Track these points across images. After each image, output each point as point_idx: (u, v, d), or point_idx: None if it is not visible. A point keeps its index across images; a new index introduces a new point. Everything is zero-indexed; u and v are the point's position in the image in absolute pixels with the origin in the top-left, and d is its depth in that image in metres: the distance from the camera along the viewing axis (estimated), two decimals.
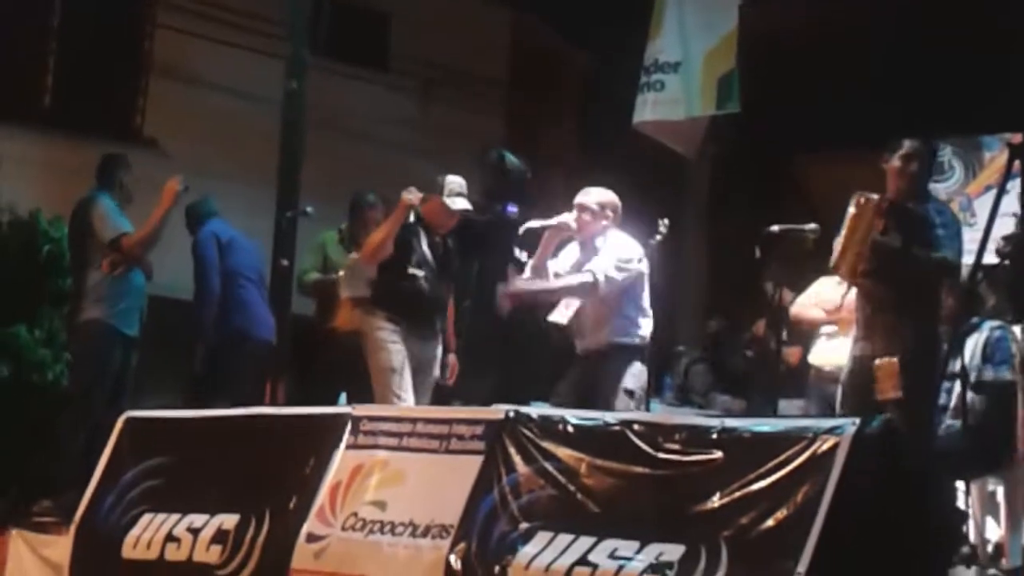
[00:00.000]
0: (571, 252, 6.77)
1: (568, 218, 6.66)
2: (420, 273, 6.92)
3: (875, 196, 5.89)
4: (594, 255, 6.62)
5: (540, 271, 6.67)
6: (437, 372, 7.06)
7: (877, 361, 5.76)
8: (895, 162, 5.99)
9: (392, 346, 6.83)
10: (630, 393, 6.50)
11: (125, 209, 7.40)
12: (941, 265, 5.88)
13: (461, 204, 6.99)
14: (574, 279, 6.60)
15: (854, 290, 6.11)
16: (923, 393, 5.78)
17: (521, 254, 6.85)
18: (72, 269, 7.74)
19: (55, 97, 10.84)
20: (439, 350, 7.06)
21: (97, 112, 10.80)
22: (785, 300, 6.99)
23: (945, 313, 6.95)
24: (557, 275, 6.66)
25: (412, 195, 6.90)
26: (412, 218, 6.95)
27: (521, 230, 6.77)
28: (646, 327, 6.65)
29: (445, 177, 7.02)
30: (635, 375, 6.55)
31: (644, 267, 6.66)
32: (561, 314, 6.67)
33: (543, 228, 6.65)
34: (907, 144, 6.02)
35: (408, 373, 6.80)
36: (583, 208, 6.67)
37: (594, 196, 6.72)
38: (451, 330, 7.28)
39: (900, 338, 5.80)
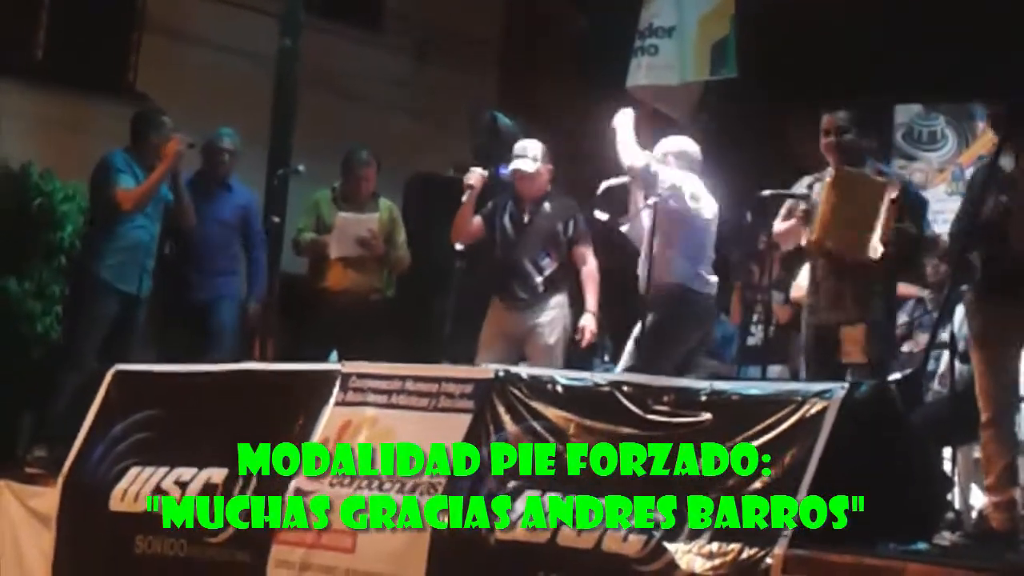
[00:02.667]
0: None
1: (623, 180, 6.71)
2: (496, 244, 7.08)
3: (855, 170, 5.93)
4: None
5: (636, 220, 6.71)
6: (552, 336, 6.99)
7: (847, 328, 5.82)
8: (827, 135, 6.06)
9: (486, 322, 7.03)
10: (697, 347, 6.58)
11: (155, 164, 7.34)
12: (933, 245, 6.12)
13: (515, 165, 7.08)
14: (629, 147, 6.55)
15: None
16: (886, 358, 5.98)
17: (601, 215, 6.84)
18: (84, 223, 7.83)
19: (47, 51, 10.75)
20: (544, 317, 6.99)
21: (89, 67, 10.72)
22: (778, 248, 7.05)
23: (935, 280, 7.00)
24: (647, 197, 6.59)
25: (472, 176, 7.12)
26: (465, 197, 7.07)
27: (600, 189, 6.77)
28: (707, 274, 6.65)
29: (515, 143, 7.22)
30: (691, 323, 6.56)
31: (712, 212, 6.66)
32: (606, 216, 6.74)
33: (621, 184, 6.68)
34: (836, 115, 6.07)
35: (495, 346, 6.90)
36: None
37: (660, 146, 6.75)
38: (591, 291, 7.11)
39: (869, 308, 5.85)
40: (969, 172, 10.89)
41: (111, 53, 11.02)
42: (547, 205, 7.17)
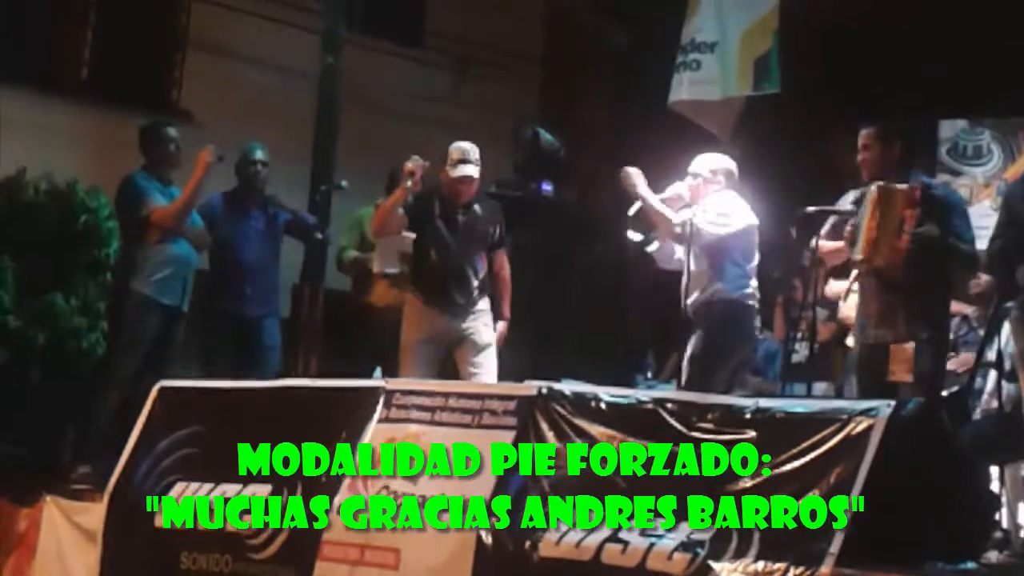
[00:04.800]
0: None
1: (680, 188, 6.71)
2: (432, 247, 6.90)
3: (892, 185, 5.89)
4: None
5: (665, 242, 6.73)
6: (485, 339, 6.95)
7: (897, 346, 5.77)
8: (859, 154, 6.02)
9: (410, 325, 6.87)
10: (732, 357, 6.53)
11: (171, 176, 7.41)
12: (970, 257, 5.90)
13: (461, 171, 6.90)
14: (668, 214, 6.59)
15: None
16: (935, 378, 5.86)
17: (635, 235, 6.84)
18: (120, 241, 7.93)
19: (92, 69, 10.87)
20: (476, 321, 6.94)
21: (134, 84, 10.83)
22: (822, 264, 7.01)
23: (979, 297, 6.94)
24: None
25: (413, 163, 6.87)
26: (408, 184, 6.87)
27: (631, 211, 6.75)
28: (751, 286, 6.64)
29: (450, 145, 6.99)
30: (740, 336, 6.55)
31: (747, 223, 6.66)
32: (640, 237, 6.77)
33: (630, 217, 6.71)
34: (861, 133, 6.03)
35: (421, 351, 6.81)
36: (695, 175, 6.71)
37: (706, 163, 6.75)
38: (505, 298, 7.16)
39: (918, 326, 5.79)
40: None
41: (155, 71, 11.13)
42: (477, 208, 7.07)
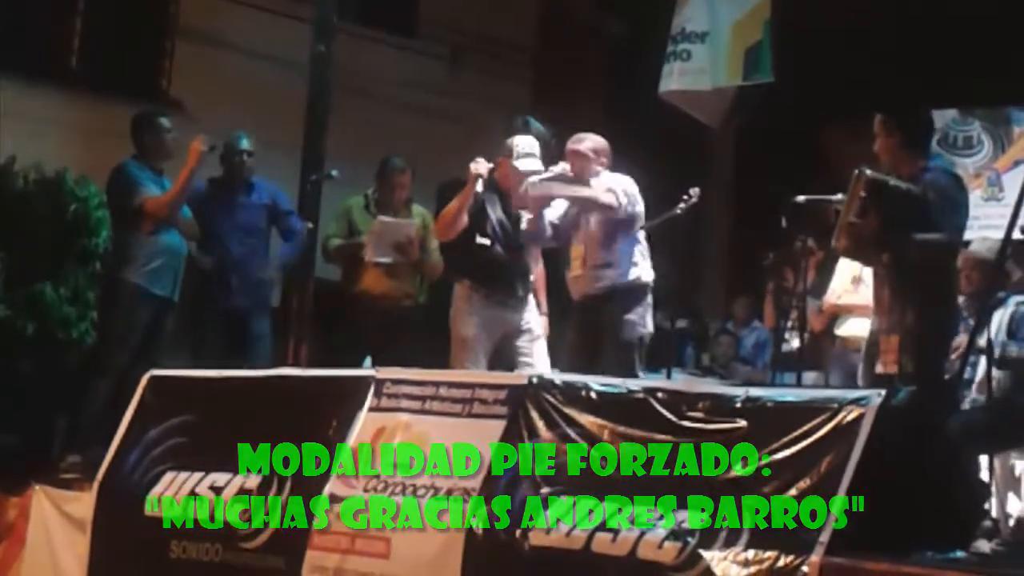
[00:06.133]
0: (562, 202, 6.74)
1: (564, 167, 6.66)
2: (487, 242, 6.88)
3: (873, 172, 5.87)
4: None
5: (538, 221, 6.68)
6: (538, 331, 6.95)
7: (885, 336, 5.78)
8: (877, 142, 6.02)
9: (468, 317, 6.84)
10: (640, 338, 6.51)
11: (162, 166, 7.40)
12: (933, 245, 5.74)
13: (528, 165, 6.83)
14: (600, 193, 6.53)
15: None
16: (929, 370, 5.76)
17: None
18: (110, 230, 7.94)
19: (81, 58, 10.84)
20: (530, 314, 6.94)
21: (123, 73, 10.80)
22: (813, 253, 7.00)
23: (972, 288, 6.93)
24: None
25: (479, 166, 6.83)
26: (480, 187, 6.81)
27: (522, 187, 6.70)
28: (647, 269, 6.65)
29: (513, 139, 6.93)
30: (642, 317, 6.55)
31: (642, 208, 6.67)
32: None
33: (542, 180, 6.63)
34: (877, 119, 6.02)
35: (481, 343, 6.81)
36: (577, 155, 6.66)
37: (588, 143, 6.72)
38: (541, 293, 7.18)
39: (905, 316, 5.78)
40: (1006, 177, 10.85)
41: (145, 59, 11.09)
42: None
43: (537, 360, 6.86)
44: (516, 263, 6.96)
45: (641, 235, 6.70)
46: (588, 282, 6.64)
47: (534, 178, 6.68)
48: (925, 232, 5.69)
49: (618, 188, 6.58)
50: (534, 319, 6.99)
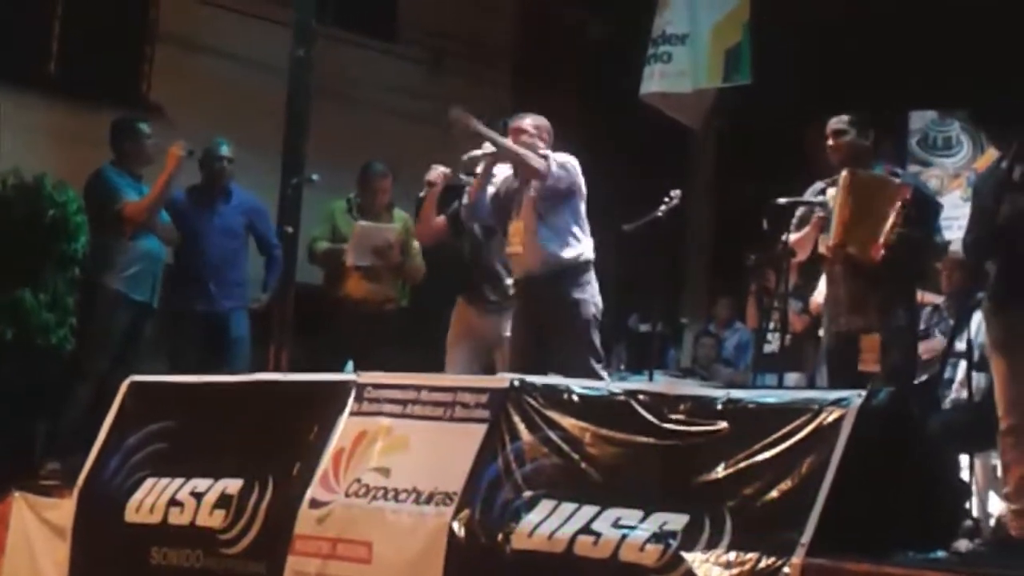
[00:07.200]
0: (505, 176, 6.72)
1: (506, 141, 6.62)
2: (467, 246, 6.96)
3: (868, 172, 5.91)
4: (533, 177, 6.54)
5: (479, 195, 6.64)
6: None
7: (866, 335, 5.80)
8: (828, 140, 6.08)
9: (452, 321, 6.98)
10: (594, 315, 6.47)
11: (141, 171, 7.38)
12: (943, 249, 6.00)
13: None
14: (529, 153, 6.47)
15: None
16: (908, 367, 5.87)
17: (466, 178, 6.84)
18: (89, 235, 7.93)
19: (60, 63, 10.81)
20: (508, 321, 6.83)
21: (102, 78, 10.76)
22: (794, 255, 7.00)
23: (952, 288, 6.97)
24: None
25: (432, 172, 6.94)
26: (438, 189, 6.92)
27: (464, 158, 6.69)
28: (589, 247, 6.58)
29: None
30: (592, 295, 6.50)
31: (580, 181, 6.60)
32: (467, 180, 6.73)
33: (484, 156, 6.61)
34: (833, 120, 6.08)
35: (464, 348, 6.89)
36: (520, 131, 6.64)
37: (529, 120, 6.71)
38: None
39: (890, 314, 5.79)
40: None
41: (124, 64, 11.06)
42: None
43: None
44: (484, 269, 6.98)
45: (582, 211, 6.60)
46: (529, 259, 6.51)
47: (475, 152, 6.65)
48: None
49: (553, 156, 6.51)
50: (504, 325, 6.90)
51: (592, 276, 6.58)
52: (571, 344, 6.32)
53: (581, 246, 6.55)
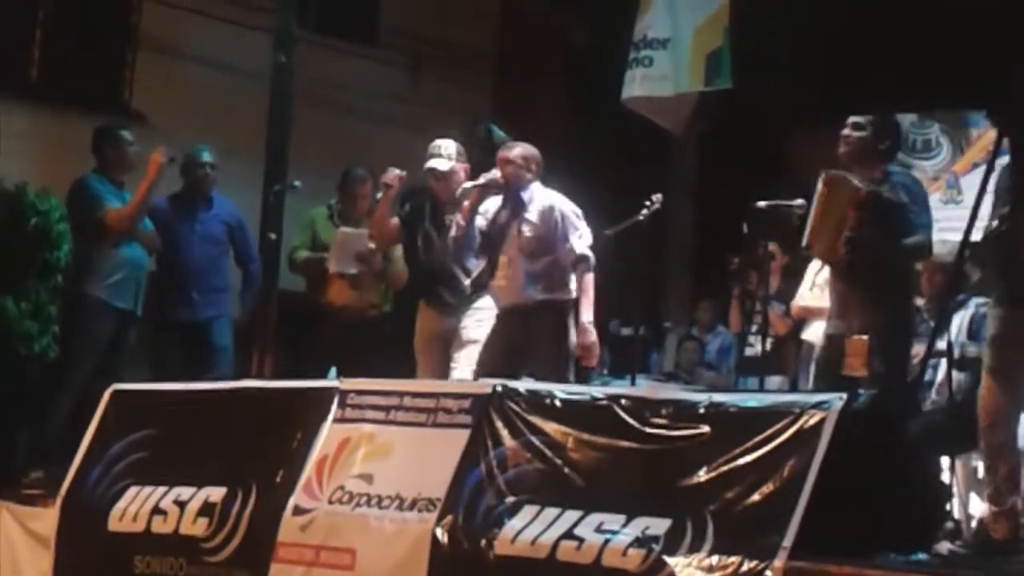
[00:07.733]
0: (494, 206, 6.71)
1: (495, 174, 6.64)
2: (422, 248, 6.98)
3: (842, 173, 5.89)
4: (522, 209, 6.57)
5: (467, 229, 6.63)
6: (472, 335, 6.83)
7: (850, 338, 5.79)
8: (844, 130, 6.03)
9: (418, 324, 7.00)
10: (571, 351, 6.49)
11: (123, 178, 7.38)
12: (917, 249, 5.88)
13: (428, 164, 6.92)
14: (587, 281, 6.54)
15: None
16: (897, 371, 5.81)
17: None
18: (71, 244, 7.92)
19: (42, 70, 10.79)
20: (470, 318, 6.86)
21: (85, 85, 10.75)
22: (775, 258, 7.03)
23: (933, 290, 6.98)
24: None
25: (386, 175, 7.12)
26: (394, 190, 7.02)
27: (458, 193, 6.71)
28: (572, 288, 6.61)
29: (435, 142, 7.00)
30: (570, 331, 6.51)
31: (581, 234, 6.63)
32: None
33: (474, 187, 6.63)
34: (856, 116, 6.06)
35: (431, 350, 6.92)
36: (507, 162, 6.64)
37: (518, 150, 6.70)
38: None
39: (874, 317, 5.81)
40: (965, 180, 10.93)
41: (106, 71, 11.05)
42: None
43: (460, 364, 6.81)
44: (439, 270, 6.96)
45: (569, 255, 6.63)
46: (513, 293, 6.56)
47: (467, 184, 6.69)
48: (904, 234, 5.79)
49: (583, 239, 6.55)
50: (471, 324, 6.90)
51: (571, 314, 6.58)
52: (546, 368, 6.34)
53: (566, 289, 6.58)
